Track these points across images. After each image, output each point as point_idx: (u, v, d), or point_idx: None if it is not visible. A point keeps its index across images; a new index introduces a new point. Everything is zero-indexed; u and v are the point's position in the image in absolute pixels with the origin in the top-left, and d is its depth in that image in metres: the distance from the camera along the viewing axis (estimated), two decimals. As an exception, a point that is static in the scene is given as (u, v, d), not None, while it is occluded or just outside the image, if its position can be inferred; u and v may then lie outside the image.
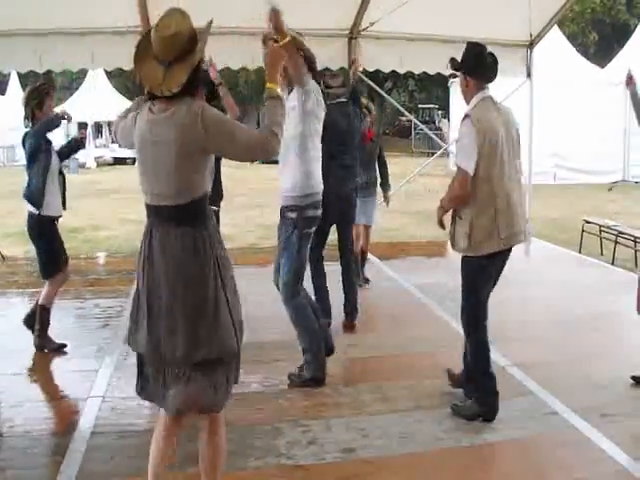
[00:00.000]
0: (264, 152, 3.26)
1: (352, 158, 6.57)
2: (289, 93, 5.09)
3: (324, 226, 6.07)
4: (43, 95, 5.71)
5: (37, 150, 5.70)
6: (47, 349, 6.00)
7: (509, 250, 4.67)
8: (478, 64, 4.60)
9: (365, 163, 7.82)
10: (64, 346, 6.06)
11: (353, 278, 6.86)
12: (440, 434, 4.52)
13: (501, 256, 4.66)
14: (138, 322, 3.33)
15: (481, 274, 4.66)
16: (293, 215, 5.13)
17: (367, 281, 8.41)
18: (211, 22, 3.33)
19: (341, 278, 6.76)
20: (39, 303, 6.02)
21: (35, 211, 5.77)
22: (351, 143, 6.53)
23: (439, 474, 4.11)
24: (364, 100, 7.98)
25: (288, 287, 5.22)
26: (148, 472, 3.36)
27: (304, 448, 4.31)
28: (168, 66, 3.17)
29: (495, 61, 4.62)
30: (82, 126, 30.81)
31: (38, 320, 6.00)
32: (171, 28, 3.15)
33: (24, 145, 5.78)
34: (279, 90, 3.49)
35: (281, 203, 5.22)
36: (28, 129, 5.78)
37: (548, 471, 4.16)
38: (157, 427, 3.41)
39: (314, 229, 5.27)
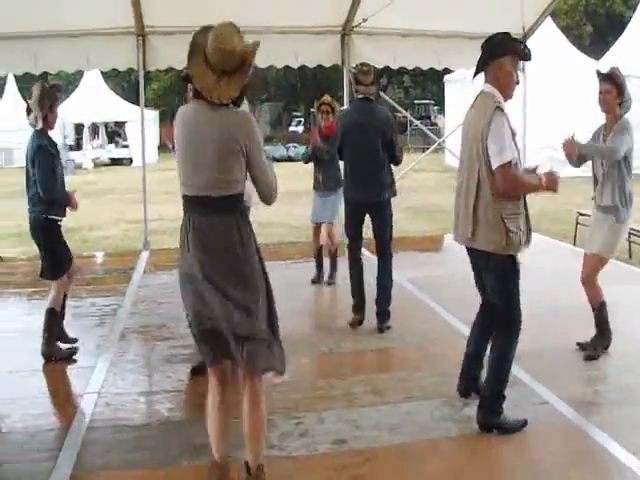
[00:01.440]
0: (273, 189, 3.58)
1: (370, 154, 6.30)
2: None
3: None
4: (55, 98, 5.78)
5: (53, 165, 5.63)
6: (55, 357, 5.76)
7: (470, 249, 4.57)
8: None
9: (321, 161, 7.74)
10: (74, 353, 5.89)
11: (385, 280, 6.54)
12: (430, 424, 4.58)
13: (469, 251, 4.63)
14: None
15: None
16: None
17: (330, 283, 8.17)
18: (257, 43, 3.44)
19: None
20: (47, 307, 5.82)
21: (42, 214, 5.65)
22: (367, 139, 6.26)
23: (429, 464, 4.16)
24: (328, 98, 7.86)
25: None
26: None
27: (296, 440, 4.38)
28: (220, 76, 3.36)
29: (481, 54, 4.49)
30: (79, 127, 31.17)
31: (45, 325, 5.76)
32: (233, 44, 3.33)
33: (33, 155, 5.58)
34: None
35: None
36: (35, 131, 5.65)
37: (537, 460, 4.20)
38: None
39: None
